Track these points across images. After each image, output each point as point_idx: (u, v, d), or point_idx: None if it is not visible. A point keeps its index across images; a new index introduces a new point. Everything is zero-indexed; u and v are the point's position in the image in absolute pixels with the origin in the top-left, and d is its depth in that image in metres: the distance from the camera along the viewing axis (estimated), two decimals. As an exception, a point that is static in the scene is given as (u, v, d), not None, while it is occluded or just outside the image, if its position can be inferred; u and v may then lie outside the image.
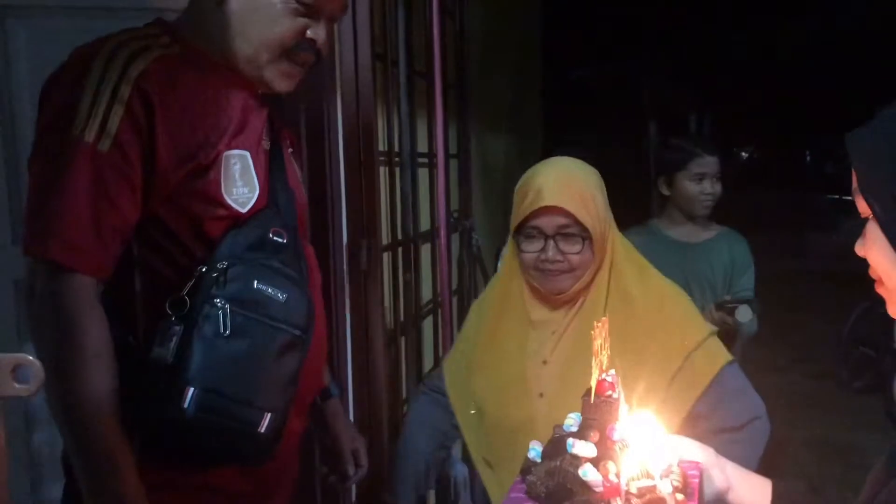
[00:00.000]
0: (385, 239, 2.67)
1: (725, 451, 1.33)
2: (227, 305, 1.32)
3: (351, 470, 1.77)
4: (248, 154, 1.43)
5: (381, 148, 2.64)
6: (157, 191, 1.33)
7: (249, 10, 1.40)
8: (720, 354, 1.71)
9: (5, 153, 2.01)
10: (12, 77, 2.00)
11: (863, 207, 1.02)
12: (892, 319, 1.02)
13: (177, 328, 1.31)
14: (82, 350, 1.25)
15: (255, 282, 1.36)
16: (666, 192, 2.94)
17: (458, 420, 1.82)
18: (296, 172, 1.60)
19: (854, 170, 1.02)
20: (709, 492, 1.22)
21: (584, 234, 1.67)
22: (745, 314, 2.64)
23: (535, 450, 1.18)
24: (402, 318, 2.85)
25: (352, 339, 2.40)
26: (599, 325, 1.20)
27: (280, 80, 1.47)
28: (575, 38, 8.23)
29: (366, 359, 2.45)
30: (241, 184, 1.40)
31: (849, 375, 5.72)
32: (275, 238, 1.44)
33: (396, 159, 2.79)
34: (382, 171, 2.66)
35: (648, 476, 1.09)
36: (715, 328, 1.78)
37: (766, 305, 2.83)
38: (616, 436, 1.14)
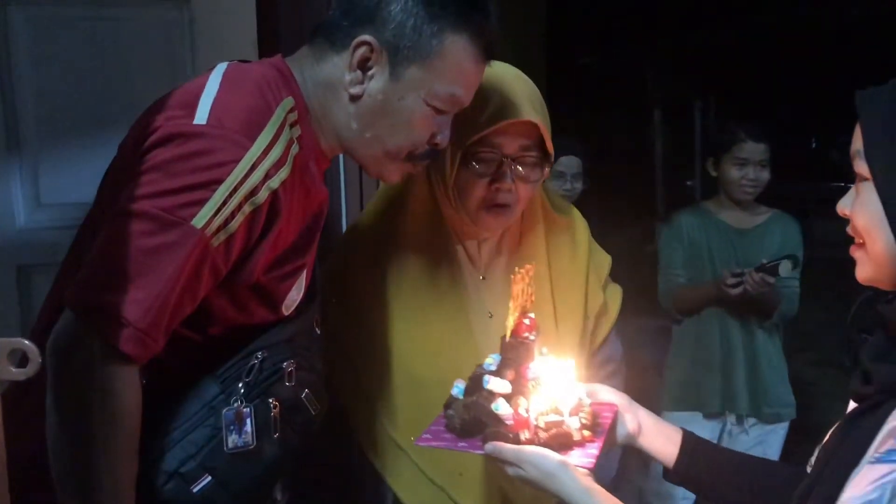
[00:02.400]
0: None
1: (609, 381, 1.42)
2: (277, 408, 1.30)
3: None
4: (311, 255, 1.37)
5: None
6: (229, 286, 1.25)
7: (385, 113, 1.30)
8: (616, 285, 1.67)
9: (8, 141, 2.02)
10: (13, 65, 2.01)
11: (861, 169, 1.04)
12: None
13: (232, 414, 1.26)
14: (122, 433, 1.17)
15: (306, 390, 1.34)
16: (713, 172, 2.99)
17: (353, 405, 1.53)
18: None
19: (861, 129, 1.03)
20: (621, 433, 1.31)
21: (544, 161, 1.47)
22: (786, 268, 2.68)
23: (458, 387, 1.26)
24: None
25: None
26: (523, 271, 1.26)
27: (395, 175, 1.40)
28: (580, 24, 8.21)
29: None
30: (296, 295, 1.35)
31: (852, 363, 5.72)
32: (316, 328, 1.42)
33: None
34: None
35: (557, 412, 1.18)
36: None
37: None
38: (530, 374, 1.23)
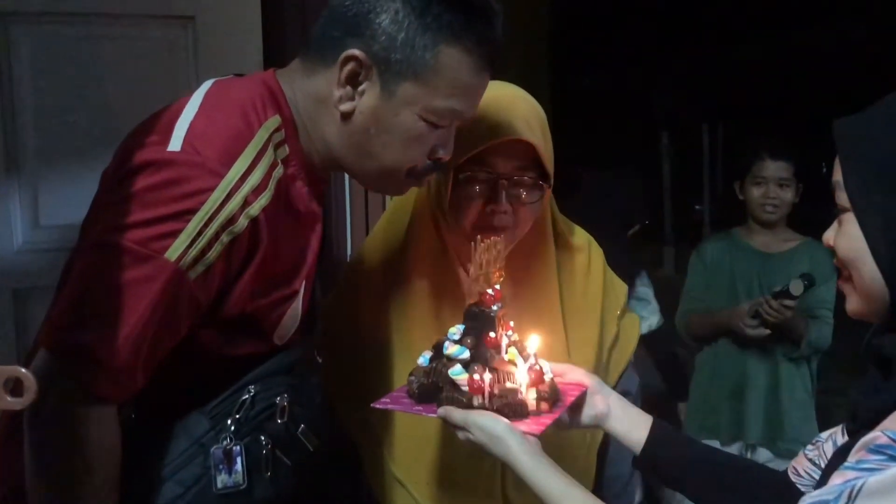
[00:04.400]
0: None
1: None
2: (269, 445, 1.25)
3: None
4: (304, 285, 1.31)
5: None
6: (214, 317, 1.20)
7: (379, 130, 1.23)
8: (633, 314, 1.65)
9: (7, 160, 2.02)
10: (13, 83, 2.02)
11: (842, 200, 1.03)
12: None
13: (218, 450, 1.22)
14: (98, 476, 1.14)
15: (302, 425, 1.30)
16: (741, 196, 2.97)
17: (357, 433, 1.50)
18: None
19: (840, 159, 1.03)
20: (589, 414, 1.32)
21: (542, 181, 1.42)
22: (797, 287, 2.63)
23: (424, 356, 1.28)
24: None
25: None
26: (489, 241, 1.26)
27: (396, 191, 1.37)
28: (583, 46, 8.24)
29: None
30: (290, 324, 1.30)
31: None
32: (316, 357, 1.40)
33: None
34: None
35: (514, 381, 1.21)
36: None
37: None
38: (491, 343, 1.24)
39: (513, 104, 1.41)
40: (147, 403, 1.20)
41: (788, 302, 2.66)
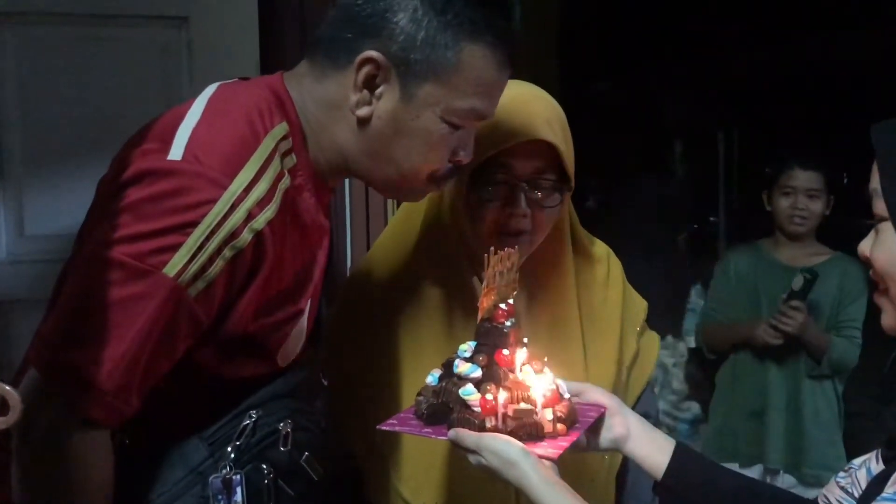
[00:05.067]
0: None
1: None
2: (272, 474, 1.22)
3: None
4: (309, 303, 1.29)
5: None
6: (214, 336, 1.17)
7: (398, 135, 1.21)
8: (653, 332, 1.62)
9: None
10: (1, 83, 2.00)
11: (879, 208, 1.01)
12: None
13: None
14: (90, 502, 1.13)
15: (306, 453, 1.26)
16: (768, 207, 2.95)
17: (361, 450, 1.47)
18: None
19: (878, 165, 1.01)
20: (607, 437, 1.30)
21: (562, 185, 1.40)
22: (798, 281, 2.64)
23: (433, 375, 1.25)
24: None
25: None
26: (502, 254, 1.23)
27: (414, 197, 1.35)
28: (593, 52, 8.25)
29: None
30: (294, 344, 1.28)
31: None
32: (322, 379, 1.38)
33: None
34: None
35: (530, 401, 1.17)
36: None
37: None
38: (504, 361, 1.21)
39: (532, 103, 1.38)
40: (142, 428, 1.17)
41: (795, 302, 2.63)
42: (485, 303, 1.24)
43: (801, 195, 2.83)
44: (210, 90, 1.23)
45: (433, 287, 1.47)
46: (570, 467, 1.21)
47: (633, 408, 1.41)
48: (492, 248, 1.24)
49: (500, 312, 1.24)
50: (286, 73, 1.28)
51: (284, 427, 1.24)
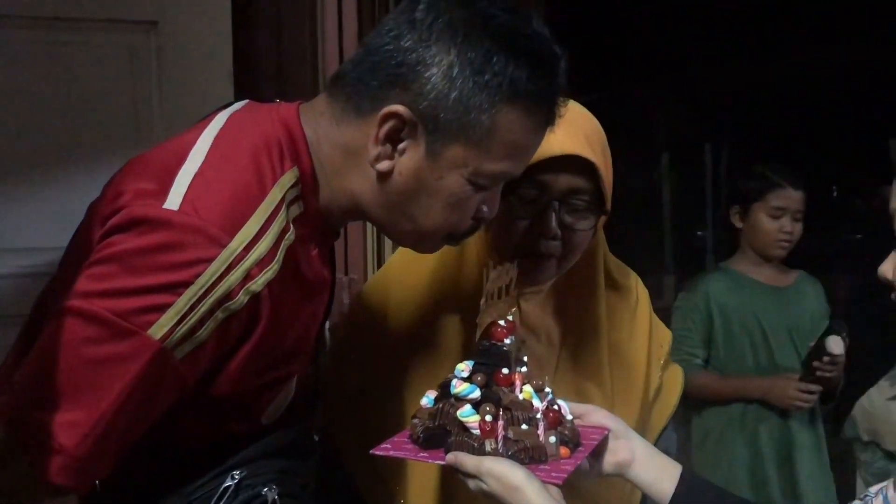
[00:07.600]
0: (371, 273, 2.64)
1: None
2: None
3: None
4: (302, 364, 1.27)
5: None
6: (197, 397, 1.13)
7: (419, 193, 1.15)
8: (676, 365, 1.61)
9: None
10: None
11: None
12: None
13: None
14: None
15: None
16: (738, 224, 2.77)
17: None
18: None
19: None
20: (610, 461, 1.28)
21: (597, 207, 1.35)
22: (837, 344, 2.48)
23: (428, 397, 1.23)
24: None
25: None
26: (501, 268, 1.23)
27: (431, 250, 1.30)
28: (580, 63, 8.29)
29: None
30: (280, 405, 1.25)
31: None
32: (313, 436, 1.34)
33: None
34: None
35: (532, 423, 1.15)
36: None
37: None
38: (504, 381, 1.19)
39: (571, 117, 1.28)
40: (116, 486, 1.12)
41: (827, 359, 2.47)
42: (483, 319, 1.22)
43: (790, 217, 2.69)
44: (219, 123, 1.17)
45: (448, 311, 1.44)
46: (588, 500, 1.19)
47: (654, 444, 1.40)
48: (490, 263, 1.22)
49: (500, 330, 1.22)
50: (303, 104, 1.22)
51: (270, 493, 1.20)
